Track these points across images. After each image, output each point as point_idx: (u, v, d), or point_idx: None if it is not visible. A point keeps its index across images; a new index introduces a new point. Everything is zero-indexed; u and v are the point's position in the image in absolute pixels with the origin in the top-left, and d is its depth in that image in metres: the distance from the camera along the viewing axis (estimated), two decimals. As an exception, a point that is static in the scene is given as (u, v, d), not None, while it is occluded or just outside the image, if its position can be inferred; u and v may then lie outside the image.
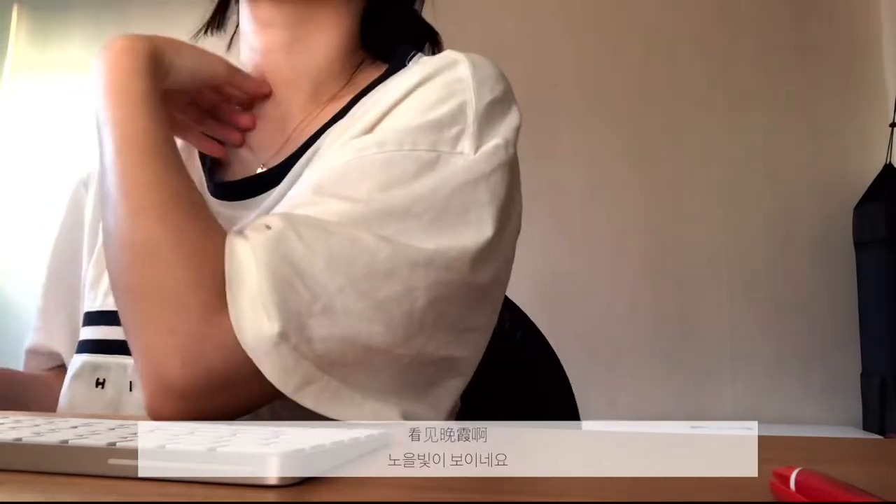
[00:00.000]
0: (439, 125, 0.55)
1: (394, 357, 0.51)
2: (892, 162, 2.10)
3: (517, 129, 0.59)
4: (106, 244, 0.52)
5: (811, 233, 2.22)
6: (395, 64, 0.67)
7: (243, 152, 0.68)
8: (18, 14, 2.86)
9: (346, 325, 0.48)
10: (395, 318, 0.50)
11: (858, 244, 2.10)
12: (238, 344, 0.46)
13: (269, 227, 0.50)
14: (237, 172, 0.66)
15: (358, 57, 0.70)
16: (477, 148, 0.55)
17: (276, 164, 0.63)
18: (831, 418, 2.14)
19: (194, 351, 0.46)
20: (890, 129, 2.13)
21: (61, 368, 0.75)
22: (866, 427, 2.04)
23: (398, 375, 0.52)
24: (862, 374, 2.08)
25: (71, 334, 0.73)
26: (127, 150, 0.52)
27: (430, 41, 0.74)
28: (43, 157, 2.68)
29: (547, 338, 0.86)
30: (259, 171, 0.64)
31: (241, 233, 0.51)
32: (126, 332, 0.50)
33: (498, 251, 0.55)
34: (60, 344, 0.74)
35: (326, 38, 0.67)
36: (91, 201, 0.74)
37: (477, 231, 0.53)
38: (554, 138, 2.33)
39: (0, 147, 2.77)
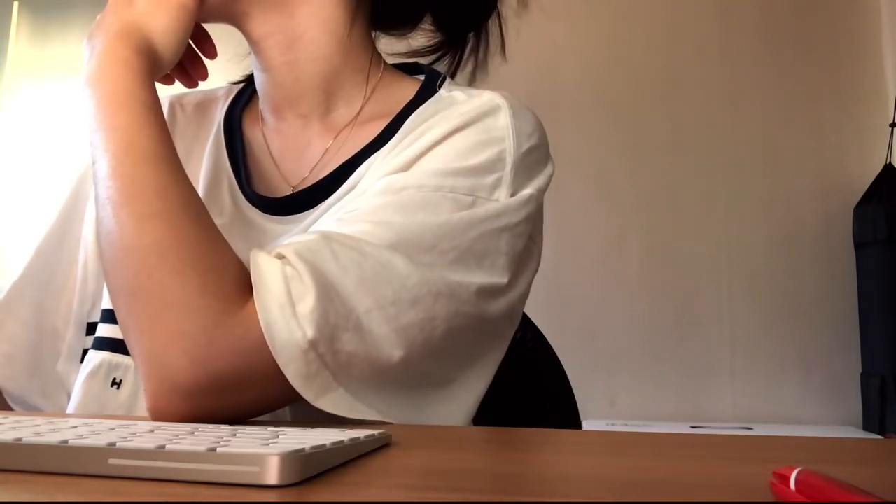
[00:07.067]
0: (478, 171, 0.57)
1: (403, 378, 0.53)
2: (892, 162, 2.10)
3: (550, 178, 0.62)
4: (105, 248, 0.52)
5: (811, 233, 2.22)
6: (426, 87, 0.66)
7: (269, 167, 0.67)
8: (19, 13, 2.87)
9: (370, 344, 0.50)
10: (414, 343, 0.52)
11: (858, 244, 2.10)
12: (249, 348, 0.47)
13: (301, 243, 0.51)
14: (264, 186, 0.66)
15: (371, 56, 0.68)
16: (512, 194, 0.57)
17: (309, 185, 0.63)
18: (831, 418, 2.14)
19: (202, 353, 0.47)
20: (890, 129, 2.13)
21: None
22: (866, 427, 2.04)
23: (405, 392, 0.54)
24: (862, 374, 2.08)
25: (33, 332, 0.70)
26: (133, 156, 0.52)
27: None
28: (42, 158, 2.67)
29: (547, 337, 0.86)
30: (290, 191, 0.65)
31: (269, 247, 0.52)
32: (126, 334, 0.50)
33: (511, 292, 0.58)
34: (8, 342, 0.70)
35: (315, 21, 0.64)
36: None
37: (489, 276, 0.55)
38: (554, 137, 2.31)
39: None
